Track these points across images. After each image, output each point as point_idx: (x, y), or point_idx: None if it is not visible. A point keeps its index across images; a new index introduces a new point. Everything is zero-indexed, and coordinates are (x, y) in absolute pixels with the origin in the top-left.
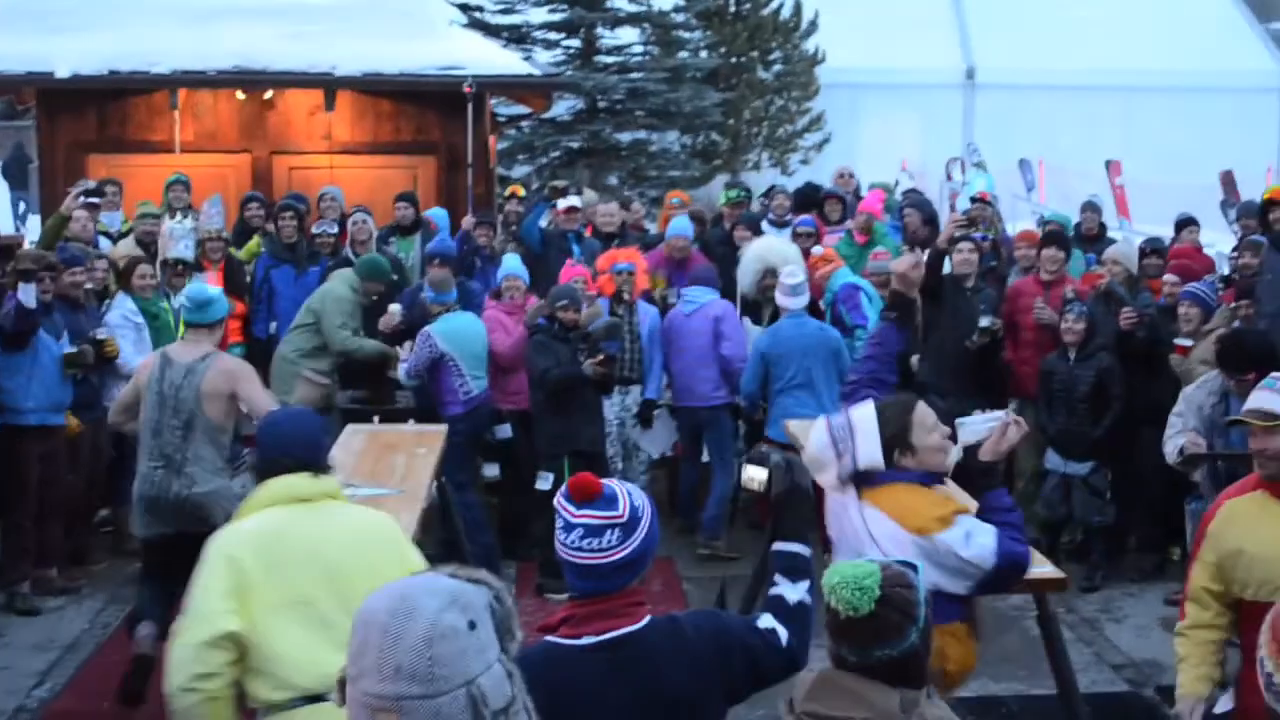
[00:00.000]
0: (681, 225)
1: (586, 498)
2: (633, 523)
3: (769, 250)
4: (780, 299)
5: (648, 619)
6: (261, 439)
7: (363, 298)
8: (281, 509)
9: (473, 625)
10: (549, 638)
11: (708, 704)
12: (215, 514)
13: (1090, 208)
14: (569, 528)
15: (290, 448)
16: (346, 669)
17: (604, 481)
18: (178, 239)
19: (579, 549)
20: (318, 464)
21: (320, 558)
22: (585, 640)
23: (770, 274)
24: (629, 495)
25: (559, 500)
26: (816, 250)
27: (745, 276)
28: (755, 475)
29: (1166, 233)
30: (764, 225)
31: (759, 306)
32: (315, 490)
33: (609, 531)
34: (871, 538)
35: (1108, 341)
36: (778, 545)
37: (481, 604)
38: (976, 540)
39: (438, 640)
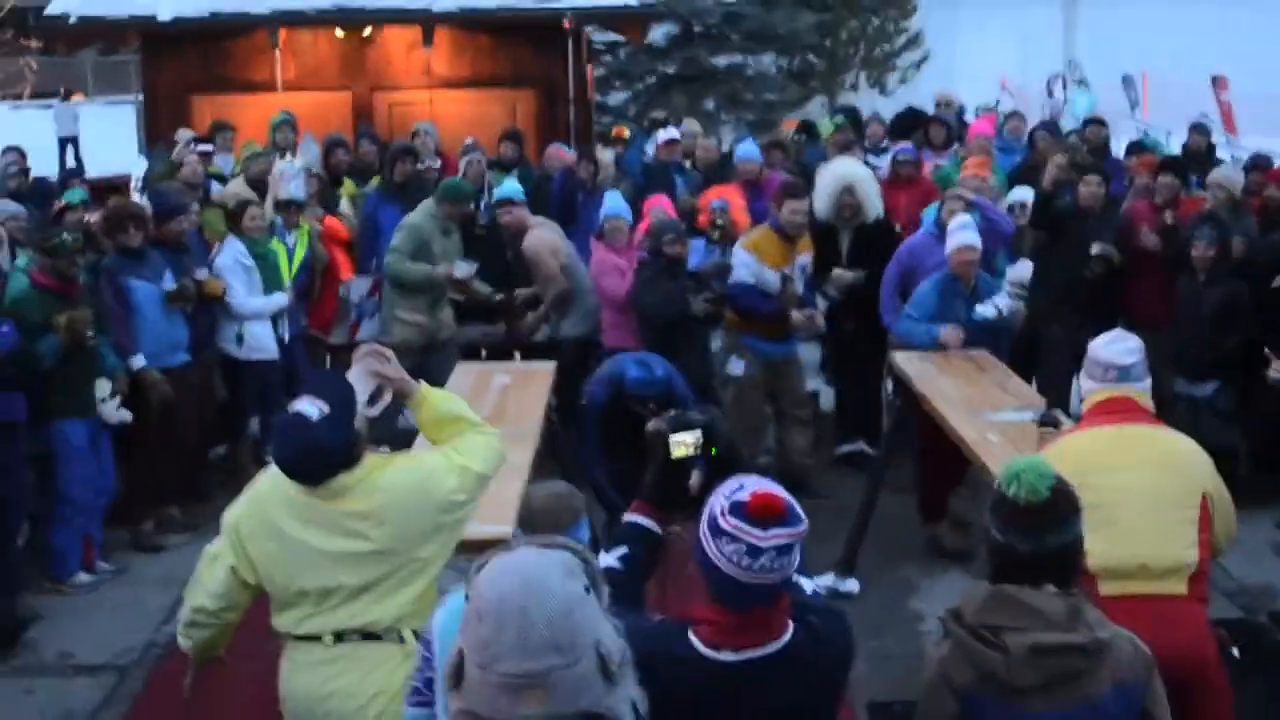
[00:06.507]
0: (747, 149)
1: (775, 517)
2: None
3: (848, 170)
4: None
5: (790, 632)
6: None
7: (442, 222)
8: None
9: (587, 589)
10: (691, 636)
11: (822, 711)
12: None
13: (1198, 129)
14: (756, 552)
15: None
16: (469, 657)
17: (779, 494)
18: (289, 179)
19: (768, 570)
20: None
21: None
22: (725, 656)
23: (848, 192)
24: (794, 501)
25: (731, 522)
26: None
27: (822, 198)
28: (685, 440)
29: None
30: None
31: (835, 231)
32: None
33: (796, 548)
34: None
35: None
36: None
37: (580, 568)
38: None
39: (574, 610)
